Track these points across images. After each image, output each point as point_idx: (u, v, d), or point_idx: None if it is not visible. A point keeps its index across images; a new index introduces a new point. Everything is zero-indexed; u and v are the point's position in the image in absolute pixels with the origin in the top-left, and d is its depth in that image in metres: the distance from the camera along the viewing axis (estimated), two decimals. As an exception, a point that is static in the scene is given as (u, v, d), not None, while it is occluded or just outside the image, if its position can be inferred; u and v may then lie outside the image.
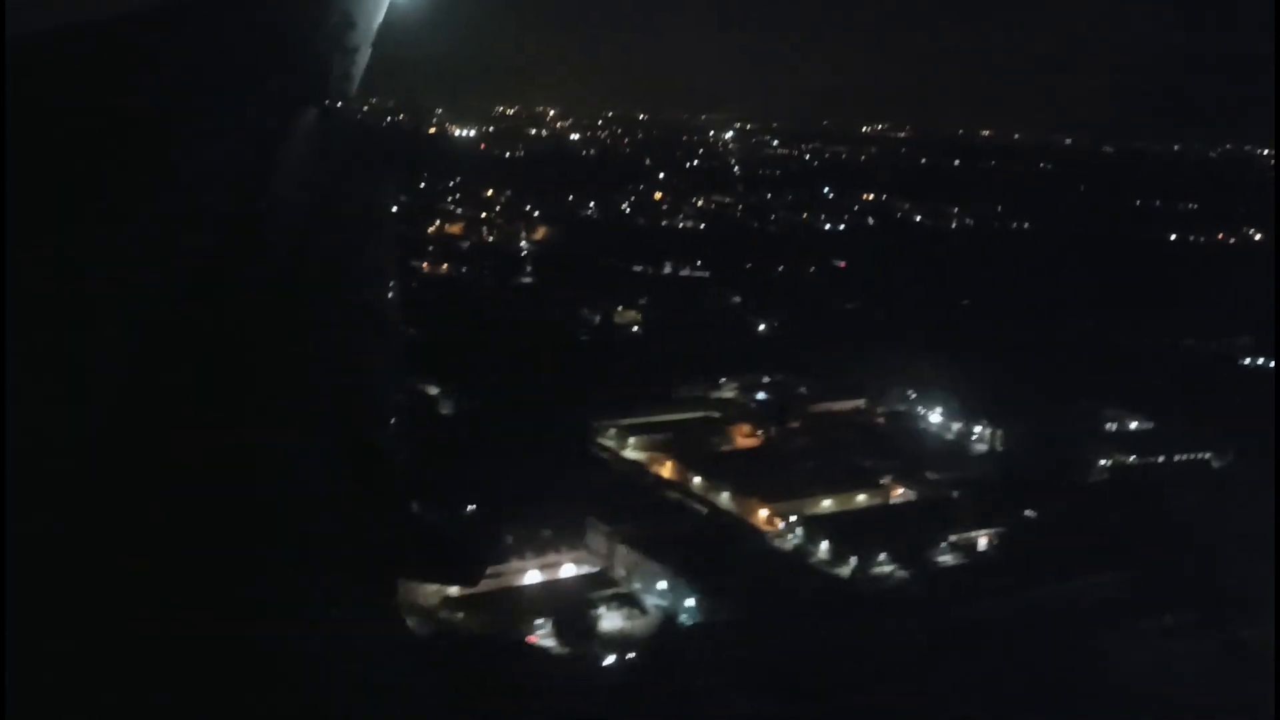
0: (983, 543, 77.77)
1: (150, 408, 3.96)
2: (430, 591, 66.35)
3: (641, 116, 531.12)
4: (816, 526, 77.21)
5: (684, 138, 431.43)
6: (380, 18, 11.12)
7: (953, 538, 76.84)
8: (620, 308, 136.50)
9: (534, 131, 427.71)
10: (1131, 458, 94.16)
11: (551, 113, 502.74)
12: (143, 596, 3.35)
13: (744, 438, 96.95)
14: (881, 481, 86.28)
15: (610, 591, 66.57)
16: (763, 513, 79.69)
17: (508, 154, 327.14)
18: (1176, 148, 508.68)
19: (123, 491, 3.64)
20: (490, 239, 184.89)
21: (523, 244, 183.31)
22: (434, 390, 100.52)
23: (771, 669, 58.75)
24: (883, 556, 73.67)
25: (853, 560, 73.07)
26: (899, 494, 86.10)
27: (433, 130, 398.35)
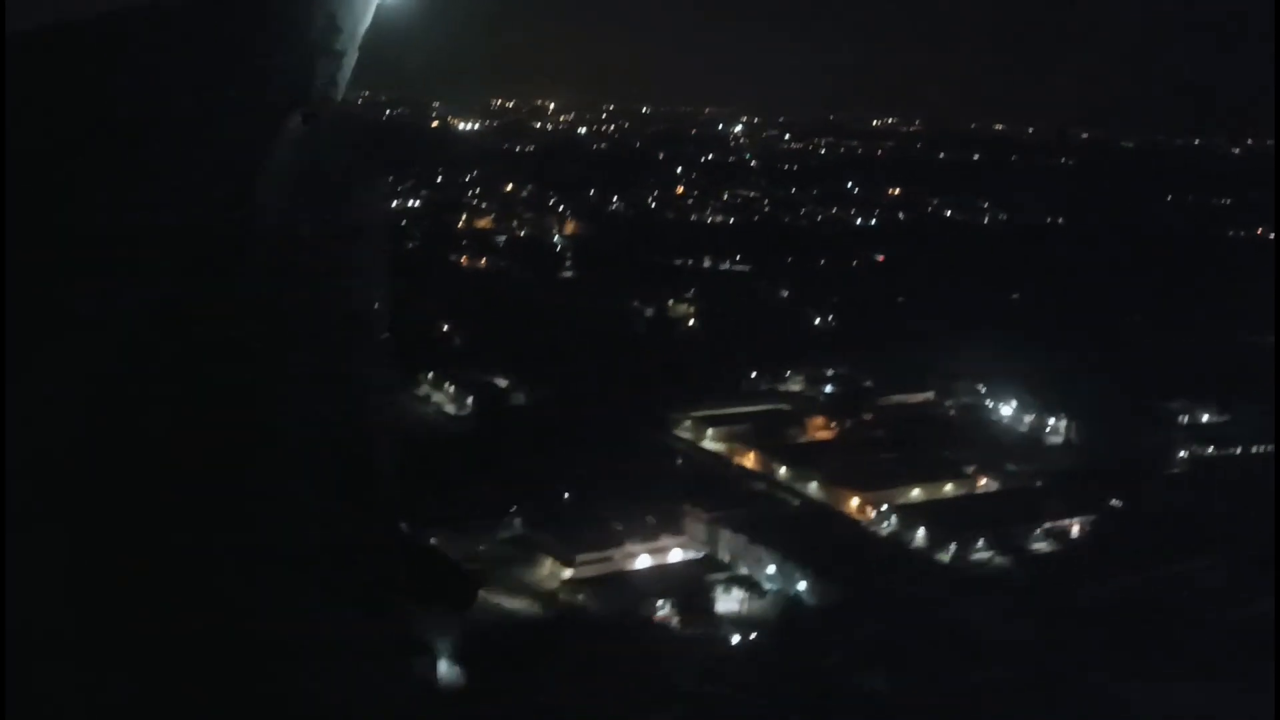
0: (1075, 530, 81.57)
1: (131, 421, 4.08)
2: (547, 574, 70.19)
3: (644, 110, 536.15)
4: (910, 514, 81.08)
5: (692, 131, 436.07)
6: (368, 20, 11.19)
7: (1046, 525, 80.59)
8: (671, 301, 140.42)
9: (538, 125, 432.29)
10: (1210, 449, 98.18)
11: (552, 106, 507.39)
12: (123, 614, 3.45)
13: (819, 429, 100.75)
14: (966, 472, 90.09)
15: (724, 574, 70.15)
16: (854, 501, 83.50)
17: (517, 148, 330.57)
18: (1198, 142, 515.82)
19: (103, 506, 3.72)
20: (522, 233, 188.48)
21: (556, 238, 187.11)
22: (503, 382, 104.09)
23: (892, 648, 62.58)
24: (980, 543, 77.47)
25: (951, 546, 76.83)
26: (983, 484, 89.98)
27: (435, 124, 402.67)
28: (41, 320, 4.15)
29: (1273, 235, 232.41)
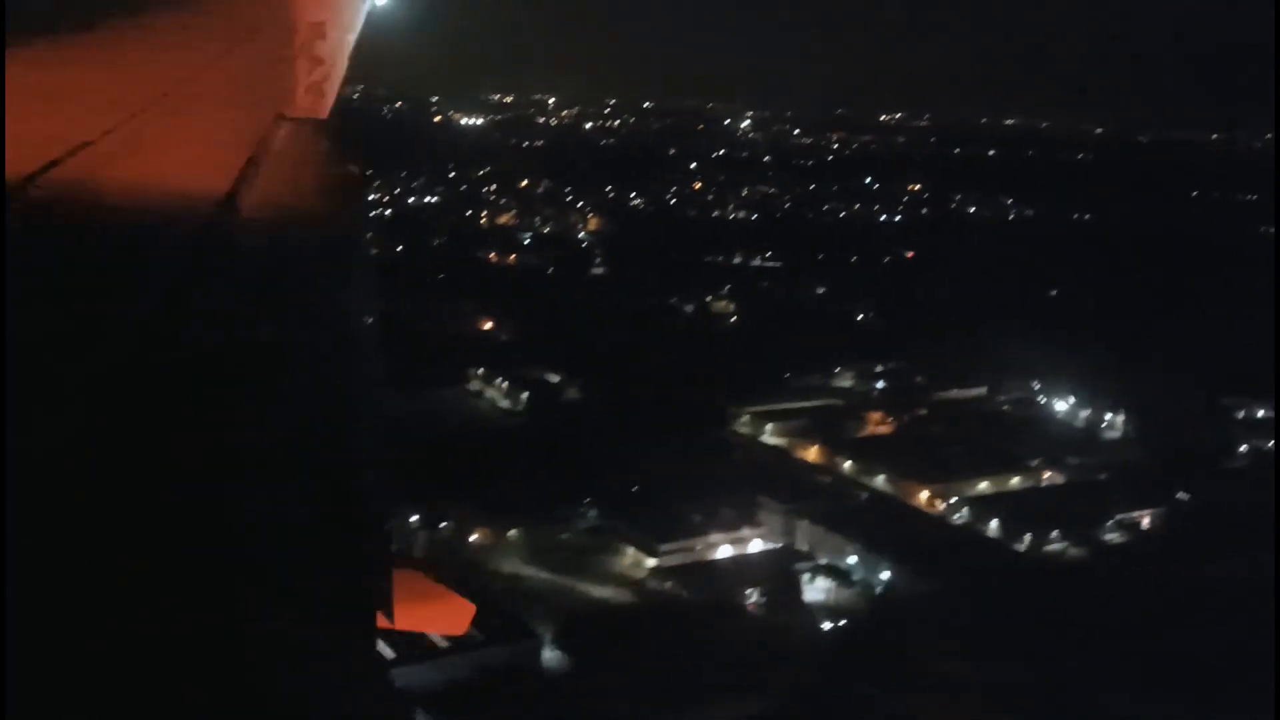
0: (1145, 522, 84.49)
1: (106, 441, 3.98)
2: (630, 563, 72.94)
3: (646, 105, 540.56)
4: (982, 506, 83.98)
5: (699, 126, 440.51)
6: (358, 27, 11.20)
7: (1117, 517, 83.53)
8: (710, 298, 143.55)
9: (541, 121, 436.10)
10: (1269, 444, 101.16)
11: (552, 101, 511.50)
12: (103, 624, 3.11)
13: (876, 424, 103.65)
14: (1031, 465, 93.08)
15: (807, 564, 72.87)
16: (923, 494, 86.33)
17: (525, 143, 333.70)
18: (1215, 137, 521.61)
19: (90, 512, 3.57)
20: (546, 230, 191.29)
21: (581, 235, 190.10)
22: (555, 378, 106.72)
23: (984, 634, 65.35)
24: (1054, 534, 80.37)
25: (1027, 537, 79.70)
26: (1047, 477, 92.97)
27: (438, 119, 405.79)
28: (23, 332, 4.12)
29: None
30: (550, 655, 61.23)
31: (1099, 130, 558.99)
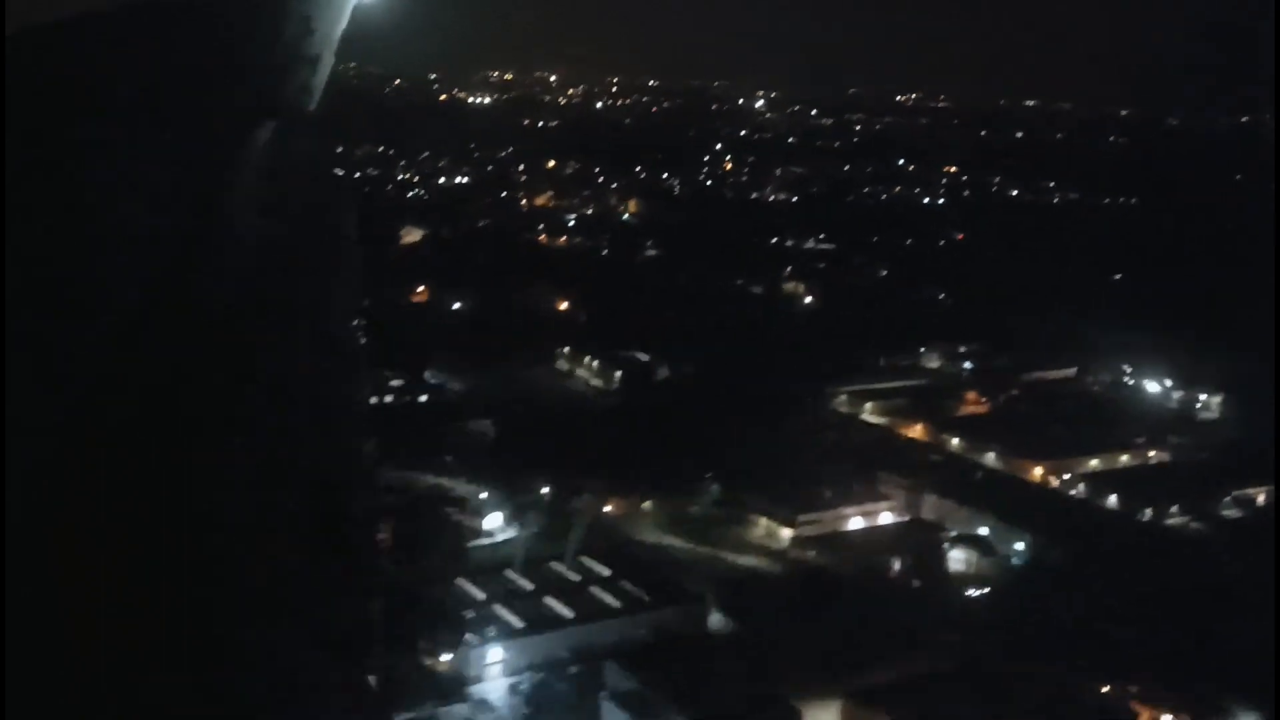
0: (1261, 499, 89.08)
1: (82, 453, 4.08)
2: (764, 534, 77.36)
3: (652, 83, 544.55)
4: (1098, 482, 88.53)
5: (714, 106, 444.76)
6: (344, 23, 11.32)
7: (1234, 493, 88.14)
8: (780, 280, 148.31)
9: (547, 99, 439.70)
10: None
11: (554, 79, 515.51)
12: (81, 667, 3.40)
13: (973, 404, 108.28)
14: (1137, 443, 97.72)
15: (946, 535, 77.28)
16: (1037, 470, 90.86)
17: (540, 124, 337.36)
18: (1245, 120, 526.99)
19: (71, 527, 3.76)
20: (589, 211, 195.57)
21: (625, 216, 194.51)
22: (643, 357, 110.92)
23: (1129, 601, 69.73)
24: (1174, 509, 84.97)
25: (1147, 512, 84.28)
26: (1153, 455, 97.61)
27: (444, 98, 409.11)
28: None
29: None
30: (715, 619, 65.48)
31: (1125, 113, 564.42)
